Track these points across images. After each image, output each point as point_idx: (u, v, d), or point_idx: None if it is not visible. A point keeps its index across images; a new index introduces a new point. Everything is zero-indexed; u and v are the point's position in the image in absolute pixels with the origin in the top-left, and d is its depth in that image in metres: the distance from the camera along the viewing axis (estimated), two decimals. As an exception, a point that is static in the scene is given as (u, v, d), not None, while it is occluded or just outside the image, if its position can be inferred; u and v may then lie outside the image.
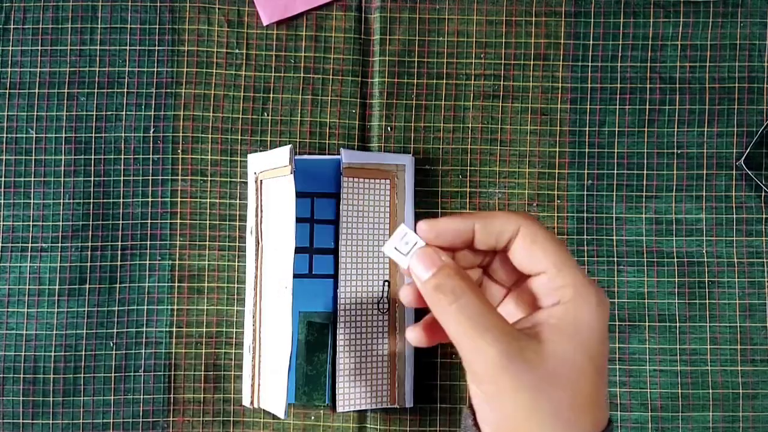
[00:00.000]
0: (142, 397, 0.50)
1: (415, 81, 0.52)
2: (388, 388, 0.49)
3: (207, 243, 0.51)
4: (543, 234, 0.27)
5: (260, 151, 0.51)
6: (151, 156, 0.51)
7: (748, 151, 0.50)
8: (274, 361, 0.47)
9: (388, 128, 0.51)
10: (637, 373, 0.50)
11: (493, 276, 0.30)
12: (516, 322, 0.27)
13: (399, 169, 0.50)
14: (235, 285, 0.50)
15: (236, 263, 0.51)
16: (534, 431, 0.22)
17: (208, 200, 0.51)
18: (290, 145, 0.46)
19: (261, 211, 0.50)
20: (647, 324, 0.50)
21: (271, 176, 0.48)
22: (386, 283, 0.49)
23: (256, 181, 0.50)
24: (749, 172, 0.50)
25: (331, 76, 0.52)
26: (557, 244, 0.27)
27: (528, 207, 0.51)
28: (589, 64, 0.51)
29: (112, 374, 0.50)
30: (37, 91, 0.51)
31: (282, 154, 0.47)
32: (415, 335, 0.28)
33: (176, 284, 0.50)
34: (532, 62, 0.52)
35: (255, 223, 0.49)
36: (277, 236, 0.47)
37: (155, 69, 0.51)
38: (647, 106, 0.51)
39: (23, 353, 0.50)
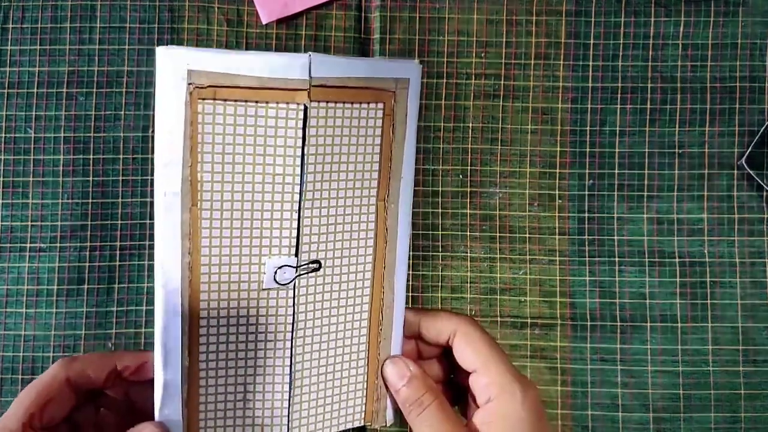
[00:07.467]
0: (140, 397, 0.50)
1: (415, 80, 0.51)
2: (363, 403, 0.36)
3: (206, 243, 0.50)
4: (476, 334, 0.31)
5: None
6: (150, 156, 0.51)
7: (749, 150, 0.50)
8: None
9: (388, 128, 0.51)
10: (638, 373, 0.50)
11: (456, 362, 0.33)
12: (468, 422, 0.31)
13: (400, 86, 0.32)
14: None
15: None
16: None
17: (208, 200, 0.51)
18: (310, 53, 0.30)
19: (200, 159, 0.30)
20: (648, 324, 0.50)
21: (239, 96, 0.29)
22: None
23: (190, 95, 0.30)
24: (751, 172, 0.50)
25: (330, 76, 0.52)
26: (488, 343, 0.31)
27: (529, 207, 0.51)
28: (590, 63, 0.51)
29: (111, 375, 0.50)
30: (35, 90, 0.51)
31: (283, 62, 0.29)
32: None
33: (175, 284, 0.50)
34: (532, 62, 0.51)
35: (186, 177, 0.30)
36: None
37: (154, 68, 0.51)
38: (648, 106, 0.51)
39: (21, 354, 0.50)
